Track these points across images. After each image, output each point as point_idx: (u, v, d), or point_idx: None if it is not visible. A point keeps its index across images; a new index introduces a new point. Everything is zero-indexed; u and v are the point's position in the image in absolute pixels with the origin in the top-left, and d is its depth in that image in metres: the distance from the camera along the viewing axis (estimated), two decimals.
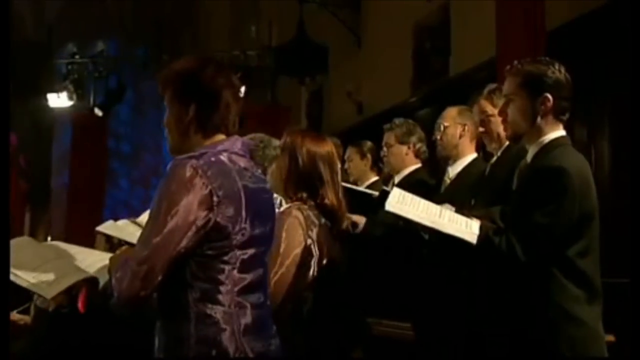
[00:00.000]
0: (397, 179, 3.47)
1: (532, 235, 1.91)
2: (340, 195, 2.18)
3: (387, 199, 2.50)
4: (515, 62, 2.10)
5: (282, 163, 2.16)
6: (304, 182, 2.13)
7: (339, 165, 2.25)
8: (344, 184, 3.11)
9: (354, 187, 3.16)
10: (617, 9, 3.85)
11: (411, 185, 3.03)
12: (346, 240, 3.55)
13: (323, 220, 2.13)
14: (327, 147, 2.20)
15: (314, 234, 2.07)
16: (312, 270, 2.06)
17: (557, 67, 2.05)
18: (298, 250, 2.04)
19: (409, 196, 2.09)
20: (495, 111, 2.65)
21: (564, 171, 1.92)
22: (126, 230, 2.85)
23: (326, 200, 2.13)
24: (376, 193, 3.05)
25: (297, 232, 2.04)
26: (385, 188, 2.81)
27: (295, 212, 2.06)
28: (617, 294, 2.17)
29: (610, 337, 2.45)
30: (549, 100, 2.01)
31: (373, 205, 3.04)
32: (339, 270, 2.19)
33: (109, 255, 2.16)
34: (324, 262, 2.10)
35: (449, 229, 1.98)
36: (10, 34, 2.19)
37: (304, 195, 2.12)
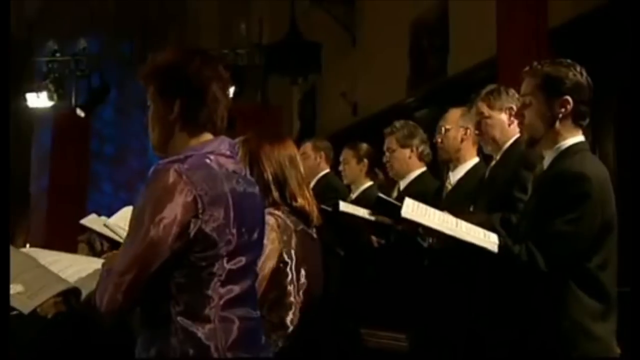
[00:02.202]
0: (402, 185, 3.46)
1: (554, 244, 1.90)
2: (309, 194, 2.20)
3: (385, 206, 2.50)
4: (535, 63, 2.09)
5: None
6: (271, 187, 2.15)
7: (302, 164, 2.26)
8: (344, 207, 3.13)
9: (354, 212, 3.17)
10: (623, 7, 3.86)
11: (419, 193, 3.03)
12: (343, 248, 3.59)
13: (301, 226, 2.15)
14: (288, 148, 2.22)
15: (288, 240, 2.10)
16: (291, 277, 2.09)
17: (578, 69, 2.04)
18: (273, 262, 2.06)
19: (423, 206, 2.09)
20: (492, 113, 2.66)
21: (585, 177, 1.92)
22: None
23: (295, 202, 2.15)
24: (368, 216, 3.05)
25: (269, 238, 2.05)
26: (380, 194, 2.81)
27: (270, 219, 2.07)
28: (621, 303, 2.17)
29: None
30: (568, 103, 2.01)
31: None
32: (322, 275, 2.22)
33: (93, 261, 2.14)
34: (304, 267, 2.12)
35: (468, 237, 1.98)
36: (9, 34, 2.17)
37: (277, 199, 2.15)
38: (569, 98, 2.01)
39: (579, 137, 2.04)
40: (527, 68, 2.10)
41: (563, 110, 2.01)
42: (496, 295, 2.18)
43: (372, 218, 3.01)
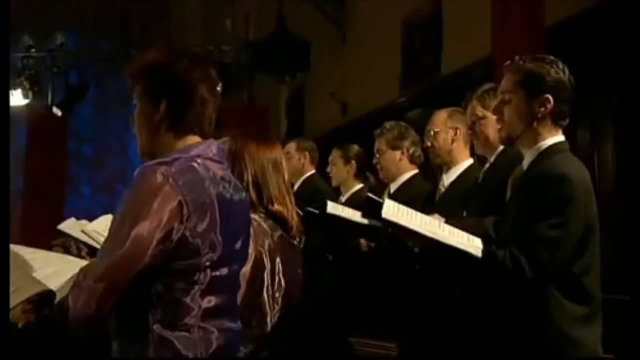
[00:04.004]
0: (392, 188, 3.47)
1: (539, 250, 1.91)
2: (288, 200, 2.21)
3: (374, 207, 2.50)
4: (517, 58, 2.10)
5: None
6: (249, 187, 2.15)
7: (286, 169, 2.27)
8: (332, 209, 3.14)
9: (341, 215, 3.17)
10: (622, 5, 3.89)
11: (410, 197, 3.03)
12: (332, 253, 3.59)
13: (279, 232, 2.16)
14: (274, 150, 2.23)
15: (264, 245, 2.10)
16: (267, 283, 2.09)
17: (560, 67, 2.05)
18: (248, 267, 2.05)
19: (404, 209, 2.09)
20: (487, 113, 2.67)
21: (568, 180, 1.93)
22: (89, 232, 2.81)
23: (272, 207, 2.16)
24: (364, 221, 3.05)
25: None
26: (370, 195, 2.81)
27: None
28: (618, 311, 2.19)
29: (610, 356, 2.47)
30: (549, 102, 2.01)
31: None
32: (302, 282, 2.23)
33: (73, 262, 2.12)
34: (279, 274, 2.13)
35: (451, 241, 1.98)
36: (9, 34, 2.16)
37: (254, 201, 2.14)
38: (549, 97, 2.02)
39: (559, 137, 2.05)
40: (508, 63, 2.11)
41: (543, 109, 2.02)
42: (481, 300, 2.19)
43: (361, 220, 3.00)
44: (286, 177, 2.24)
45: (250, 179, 2.15)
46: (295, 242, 2.23)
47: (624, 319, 2.87)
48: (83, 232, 2.62)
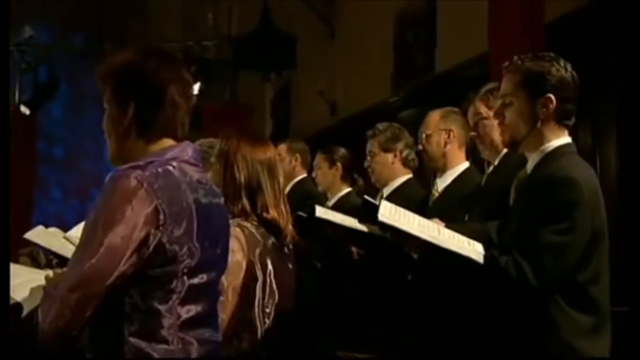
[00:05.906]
0: (385, 192, 3.47)
1: (544, 256, 1.92)
2: (283, 207, 2.21)
3: (370, 209, 2.52)
4: (515, 57, 2.12)
5: (216, 172, 2.18)
6: (241, 193, 2.15)
7: (281, 173, 2.27)
8: (321, 213, 3.15)
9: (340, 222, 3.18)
10: (624, 0, 3.93)
11: (404, 202, 3.04)
12: (321, 261, 3.59)
13: (271, 239, 2.16)
14: (268, 152, 2.23)
15: (256, 254, 2.11)
16: (258, 296, 2.09)
17: (562, 64, 2.06)
18: (238, 280, 2.07)
19: (402, 210, 2.10)
20: (491, 114, 2.68)
21: (573, 182, 1.94)
22: (59, 240, 2.80)
23: (266, 214, 2.16)
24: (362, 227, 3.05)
25: (238, 254, 2.06)
26: (366, 197, 2.81)
27: (236, 232, 2.08)
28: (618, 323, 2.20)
29: None
30: (551, 101, 2.03)
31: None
32: (294, 292, 2.23)
33: (40, 273, 2.11)
34: (272, 285, 2.13)
35: (451, 245, 1.99)
36: (9, 34, 2.15)
37: (246, 208, 2.14)
38: (551, 96, 2.03)
39: (564, 139, 2.07)
40: (506, 63, 2.13)
41: (545, 110, 2.04)
42: (482, 308, 2.20)
43: (350, 225, 3.01)
44: (281, 181, 2.24)
45: (243, 182, 2.15)
46: (286, 250, 2.23)
47: (624, 332, 2.88)
48: (65, 237, 2.61)
